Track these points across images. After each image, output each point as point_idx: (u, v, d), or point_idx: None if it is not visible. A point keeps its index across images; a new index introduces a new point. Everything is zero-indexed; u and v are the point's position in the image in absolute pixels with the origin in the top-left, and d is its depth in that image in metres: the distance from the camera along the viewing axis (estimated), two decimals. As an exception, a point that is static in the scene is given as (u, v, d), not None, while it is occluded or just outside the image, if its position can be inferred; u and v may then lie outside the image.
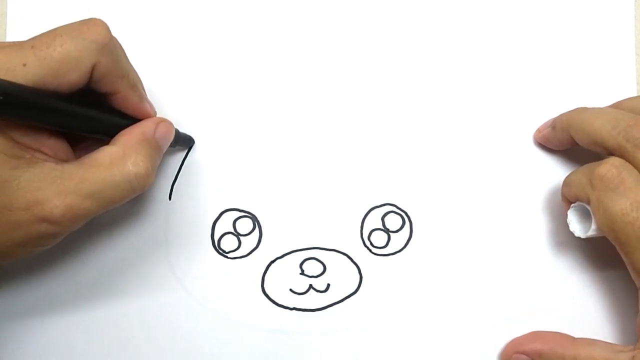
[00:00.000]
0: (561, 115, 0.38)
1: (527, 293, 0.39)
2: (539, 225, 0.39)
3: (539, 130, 0.40)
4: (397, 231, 0.39)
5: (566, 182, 0.36)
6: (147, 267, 0.39)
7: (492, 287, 0.39)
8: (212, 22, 0.40)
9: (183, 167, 0.40)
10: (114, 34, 0.32)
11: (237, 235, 0.39)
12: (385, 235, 0.39)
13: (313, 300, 0.39)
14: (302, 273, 0.39)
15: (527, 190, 0.40)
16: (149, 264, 0.39)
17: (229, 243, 0.39)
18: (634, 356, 0.33)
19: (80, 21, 0.31)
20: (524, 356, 0.37)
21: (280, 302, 0.39)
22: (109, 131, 0.33)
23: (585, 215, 0.35)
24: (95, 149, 0.32)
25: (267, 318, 0.39)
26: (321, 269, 0.39)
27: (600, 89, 0.40)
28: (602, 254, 0.39)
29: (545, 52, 0.40)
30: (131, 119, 0.34)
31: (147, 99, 0.35)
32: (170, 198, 0.39)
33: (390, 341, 0.39)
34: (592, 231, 0.34)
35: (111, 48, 0.31)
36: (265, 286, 0.39)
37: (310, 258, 0.39)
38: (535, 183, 0.40)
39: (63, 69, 0.30)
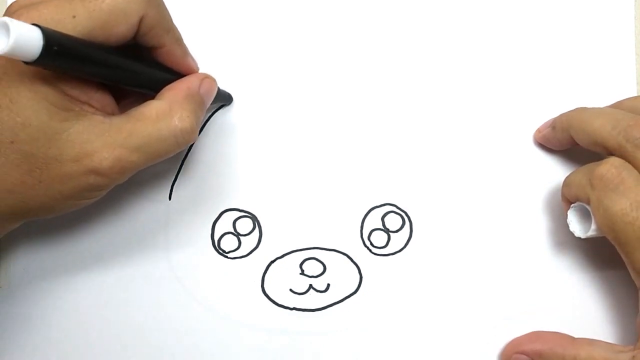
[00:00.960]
0: (561, 115, 0.38)
1: (527, 293, 0.39)
2: (539, 225, 0.39)
3: (539, 130, 0.40)
4: (397, 231, 0.39)
5: (566, 182, 0.36)
6: (147, 267, 0.39)
7: (492, 287, 0.39)
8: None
9: (183, 167, 0.40)
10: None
11: (237, 235, 0.39)
12: (385, 235, 0.39)
13: (313, 300, 0.39)
14: (302, 273, 0.39)
15: (527, 190, 0.40)
16: (149, 264, 0.39)
17: (229, 243, 0.39)
18: (634, 356, 0.33)
19: None
20: (524, 356, 0.37)
21: (280, 302, 0.39)
22: (154, 85, 0.34)
23: (585, 216, 0.35)
24: (138, 104, 0.33)
25: (267, 318, 0.39)
26: (321, 269, 0.39)
27: (600, 89, 0.40)
28: (602, 254, 0.39)
29: (545, 52, 0.40)
30: (175, 74, 0.34)
31: (190, 54, 0.35)
32: (170, 198, 0.39)
33: (390, 341, 0.39)
34: (592, 231, 0.34)
35: (158, 1, 0.32)
36: (265, 286, 0.39)
37: (310, 258, 0.39)
38: (535, 183, 0.40)
39: (112, 21, 0.30)
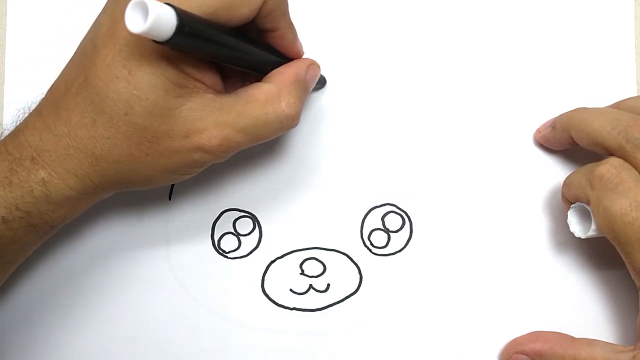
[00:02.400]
0: (561, 116, 0.38)
1: (527, 293, 0.39)
2: (539, 225, 0.39)
3: (539, 131, 0.40)
4: (397, 231, 0.39)
5: (566, 183, 0.36)
6: (147, 267, 0.39)
7: (492, 287, 0.39)
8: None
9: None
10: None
11: (237, 235, 0.39)
12: (385, 235, 0.39)
13: (313, 300, 0.39)
14: (302, 273, 0.39)
15: (527, 190, 0.40)
16: (149, 264, 0.39)
17: (229, 243, 0.39)
18: (634, 356, 0.33)
19: None
20: (524, 356, 0.37)
21: (280, 302, 0.39)
22: (262, 68, 0.34)
23: (585, 216, 0.35)
24: (241, 83, 0.33)
25: (267, 318, 0.39)
26: (321, 269, 0.39)
27: (600, 89, 0.40)
28: (602, 254, 0.39)
29: (545, 52, 0.40)
30: (281, 57, 0.35)
31: (299, 39, 0.35)
32: (170, 198, 0.39)
33: (390, 341, 0.39)
34: (592, 231, 0.34)
35: None
36: (265, 286, 0.39)
37: (310, 258, 0.39)
38: (535, 183, 0.40)
39: (237, 2, 0.30)
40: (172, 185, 0.39)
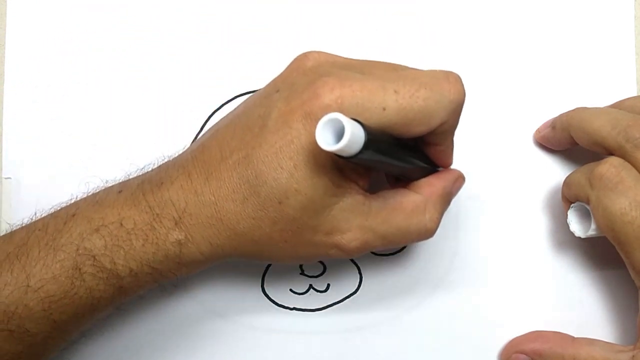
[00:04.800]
0: (561, 115, 0.38)
1: (527, 293, 0.39)
2: (539, 225, 0.39)
3: (538, 131, 0.40)
4: (397, 231, 0.39)
5: (566, 182, 0.36)
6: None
7: (492, 287, 0.39)
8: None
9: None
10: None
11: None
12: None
13: (313, 300, 0.39)
14: (302, 273, 0.39)
15: (527, 190, 0.40)
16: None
17: (229, 243, 0.39)
18: (633, 356, 0.33)
19: (442, 73, 0.30)
20: (524, 356, 0.37)
21: (280, 302, 0.39)
22: (413, 174, 0.33)
23: (585, 215, 0.35)
24: (383, 181, 0.33)
25: (267, 318, 0.39)
26: (321, 269, 0.39)
27: (600, 89, 0.40)
28: (602, 254, 0.39)
29: (545, 52, 0.40)
30: (432, 164, 0.34)
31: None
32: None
33: (390, 341, 0.39)
34: (591, 231, 0.34)
35: (460, 109, 0.31)
36: (265, 286, 0.39)
37: (310, 258, 0.39)
38: (535, 183, 0.40)
39: (416, 120, 0.29)
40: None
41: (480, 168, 0.40)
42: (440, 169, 0.35)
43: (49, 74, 0.40)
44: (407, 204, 0.32)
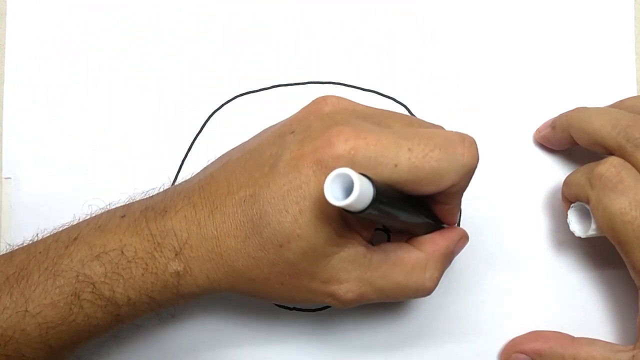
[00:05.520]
0: (561, 115, 0.38)
1: (527, 293, 0.39)
2: (539, 225, 0.39)
3: (538, 130, 0.40)
4: (397, 231, 0.39)
5: (566, 182, 0.36)
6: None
7: (492, 287, 0.39)
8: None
9: (183, 167, 0.40)
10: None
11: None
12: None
13: (313, 300, 0.39)
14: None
15: (527, 190, 0.40)
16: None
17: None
18: (633, 356, 0.33)
19: (458, 136, 0.30)
20: (524, 355, 0.37)
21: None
22: (417, 230, 0.33)
23: (585, 215, 0.35)
24: (386, 234, 0.32)
25: (267, 318, 0.39)
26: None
27: (600, 89, 0.40)
28: (602, 254, 0.39)
29: (545, 52, 0.40)
30: (437, 221, 0.33)
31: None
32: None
33: (390, 341, 0.39)
34: (591, 231, 0.34)
35: (472, 173, 0.30)
36: (265, 286, 0.39)
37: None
38: (535, 183, 0.40)
39: (427, 180, 0.29)
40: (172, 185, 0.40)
41: (480, 168, 0.40)
42: (444, 225, 0.34)
43: (49, 74, 0.40)
44: (408, 261, 0.31)
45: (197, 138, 0.40)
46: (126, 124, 0.40)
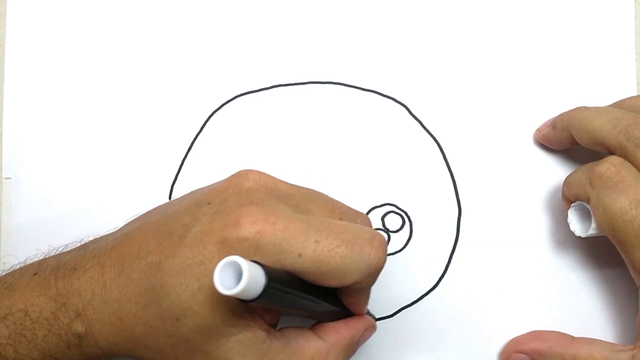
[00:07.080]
0: (561, 115, 0.38)
1: (527, 292, 0.39)
2: (539, 225, 0.39)
3: (539, 130, 0.40)
4: (397, 231, 0.39)
5: (566, 182, 0.36)
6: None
7: (492, 287, 0.39)
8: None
9: (183, 167, 0.40)
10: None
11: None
12: (385, 235, 0.39)
13: (313, 300, 0.39)
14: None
15: (527, 190, 0.40)
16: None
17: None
18: (633, 355, 0.33)
19: (368, 234, 0.29)
20: (524, 355, 0.37)
21: (280, 302, 0.39)
22: (321, 317, 0.32)
23: (586, 215, 0.35)
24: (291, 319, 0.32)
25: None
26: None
27: (600, 89, 0.40)
28: (602, 253, 0.39)
29: (545, 52, 0.40)
30: (343, 308, 0.32)
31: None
32: (170, 198, 0.39)
33: (390, 341, 0.39)
34: (592, 230, 0.34)
35: (379, 273, 0.30)
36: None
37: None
38: (535, 183, 0.40)
39: (329, 275, 0.28)
40: (172, 185, 0.39)
41: (481, 168, 0.40)
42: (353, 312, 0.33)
43: (49, 74, 0.40)
44: (309, 350, 0.30)
45: (197, 138, 0.40)
46: (126, 123, 0.40)
